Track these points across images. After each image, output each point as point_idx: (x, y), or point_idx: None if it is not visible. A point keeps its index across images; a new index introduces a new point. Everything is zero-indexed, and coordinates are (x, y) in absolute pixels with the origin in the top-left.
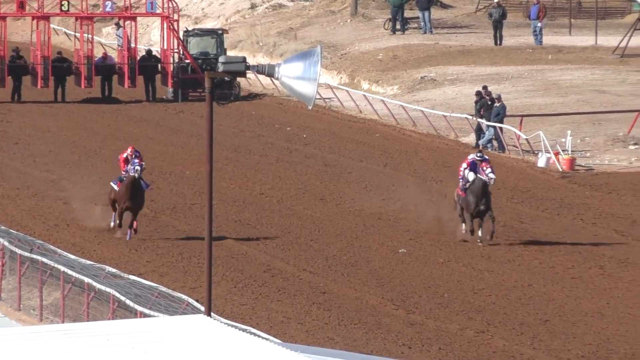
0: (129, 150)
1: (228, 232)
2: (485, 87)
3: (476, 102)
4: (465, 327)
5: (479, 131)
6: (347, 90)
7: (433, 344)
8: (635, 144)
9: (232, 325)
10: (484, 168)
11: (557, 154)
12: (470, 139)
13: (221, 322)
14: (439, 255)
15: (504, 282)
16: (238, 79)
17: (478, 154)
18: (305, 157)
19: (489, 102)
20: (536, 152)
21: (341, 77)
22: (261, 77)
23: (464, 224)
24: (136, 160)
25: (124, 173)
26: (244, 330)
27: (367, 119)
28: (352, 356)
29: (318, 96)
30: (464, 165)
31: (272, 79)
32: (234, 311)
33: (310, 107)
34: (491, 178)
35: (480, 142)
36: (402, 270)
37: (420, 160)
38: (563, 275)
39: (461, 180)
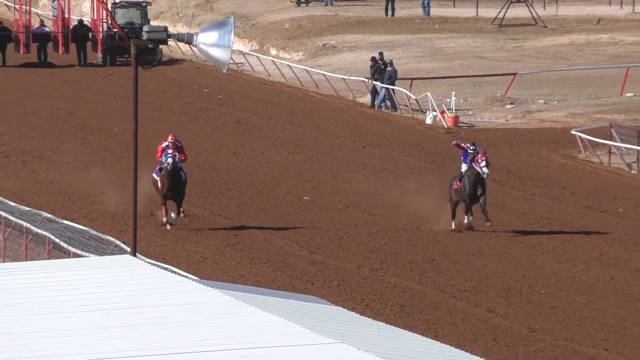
0: (170, 138)
1: (151, 182)
2: (381, 53)
3: (371, 67)
4: (361, 265)
5: (374, 92)
6: (257, 56)
7: (333, 280)
8: (511, 103)
9: (155, 264)
10: (479, 160)
11: (442, 112)
12: (366, 99)
13: (145, 261)
14: (339, 203)
15: (395, 225)
16: (160, 46)
17: (471, 147)
18: (220, 116)
19: (383, 67)
20: (424, 110)
21: (252, 45)
22: (181, 44)
23: (454, 222)
24: (169, 151)
25: (160, 163)
26: (165, 268)
27: (275, 81)
28: (261, 291)
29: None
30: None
31: (191, 46)
32: (156, 252)
33: (224, 71)
34: (484, 172)
35: (375, 102)
36: (306, 216)
37: (322, 118)
38: (447, 219)
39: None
